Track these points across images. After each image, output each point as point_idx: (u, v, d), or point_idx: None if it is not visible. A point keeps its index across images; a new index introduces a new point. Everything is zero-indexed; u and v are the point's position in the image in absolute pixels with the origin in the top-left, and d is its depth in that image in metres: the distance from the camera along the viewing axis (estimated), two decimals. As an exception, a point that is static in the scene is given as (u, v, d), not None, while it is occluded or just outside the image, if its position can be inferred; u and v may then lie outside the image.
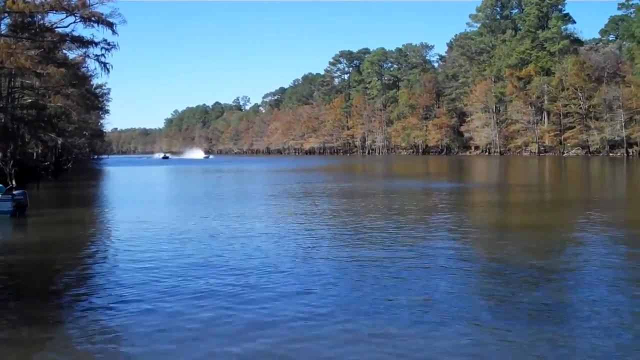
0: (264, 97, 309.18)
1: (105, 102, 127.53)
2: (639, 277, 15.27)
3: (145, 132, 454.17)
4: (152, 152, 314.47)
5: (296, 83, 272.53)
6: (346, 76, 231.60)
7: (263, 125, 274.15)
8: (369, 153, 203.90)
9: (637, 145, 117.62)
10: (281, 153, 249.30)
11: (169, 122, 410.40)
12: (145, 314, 12.12)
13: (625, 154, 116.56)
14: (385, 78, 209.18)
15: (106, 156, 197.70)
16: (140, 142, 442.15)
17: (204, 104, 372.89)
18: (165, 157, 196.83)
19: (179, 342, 10.46)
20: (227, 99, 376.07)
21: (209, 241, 21.20)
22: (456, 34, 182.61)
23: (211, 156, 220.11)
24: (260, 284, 14.58)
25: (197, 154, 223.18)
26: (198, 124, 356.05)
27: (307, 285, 14.36)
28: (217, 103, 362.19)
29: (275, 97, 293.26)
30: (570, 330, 10.87)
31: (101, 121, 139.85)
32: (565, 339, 10.39)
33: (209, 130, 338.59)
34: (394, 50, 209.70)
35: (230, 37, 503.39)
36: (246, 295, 13.57)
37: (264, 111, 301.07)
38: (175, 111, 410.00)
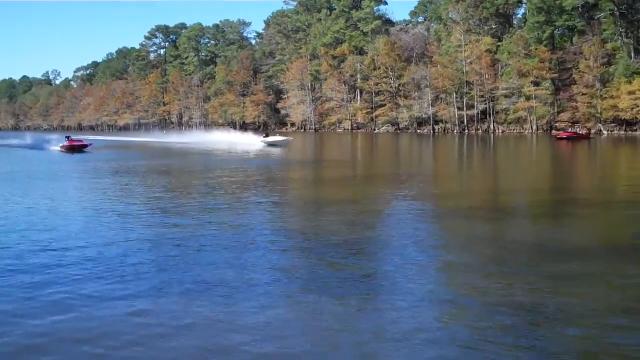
0: (75, 71, 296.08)
1: None
2: (441, 246, 16.37)
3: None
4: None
5: (110, 57, 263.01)
6: (162, 51, 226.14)
7: (75, 100, 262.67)
8: (185, 129, 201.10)
9: (442, 123, 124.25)
10: (94, 129, 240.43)
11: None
12: None
13: (431, 131, 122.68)
14: (203, 54, 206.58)
15: None
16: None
17: (11, 78, 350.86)
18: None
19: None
20: (35, 73, 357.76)
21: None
22: (273, 12, 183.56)
23: (279, 138, 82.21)
24: (60, 266, 13.90)
25: (236, 137, 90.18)
26: (4, 99, 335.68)
27: (108, 266, 13.89)
28: (24, 77, 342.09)
29: (88, 72, 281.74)
30: (376, 300, 11.36)
31: None
32: (370, 308, 10.85)
33: (15, 105, 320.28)
34: (211, 26, 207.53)
35: (39, 6, 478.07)
36: (44, 276, 13.11)
37: (75, 86, 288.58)
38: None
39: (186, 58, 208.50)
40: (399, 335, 9.75)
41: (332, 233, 17.67)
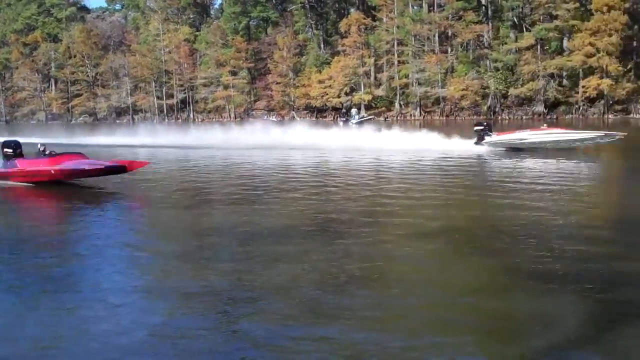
0: None
1: None
2: (139, 238, 15.92)
3: None
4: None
5: None
6: None
7: None
8: None
9: (142, 112, 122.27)
10: None
11: None
12: None
13: (131, 121, 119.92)
14: None
15: None
16: None
17: None
18: None
19: None
20: None
21: None
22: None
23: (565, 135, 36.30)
24: None
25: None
26: None
27: None
28: None
29: None
30: (65, 297, 10.98)
31: None
32: (53, 306, 10.46)
33: None
34: None
35: None
36: None
37: None
38: None
39: None
40: (80, 330, 9.41)
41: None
